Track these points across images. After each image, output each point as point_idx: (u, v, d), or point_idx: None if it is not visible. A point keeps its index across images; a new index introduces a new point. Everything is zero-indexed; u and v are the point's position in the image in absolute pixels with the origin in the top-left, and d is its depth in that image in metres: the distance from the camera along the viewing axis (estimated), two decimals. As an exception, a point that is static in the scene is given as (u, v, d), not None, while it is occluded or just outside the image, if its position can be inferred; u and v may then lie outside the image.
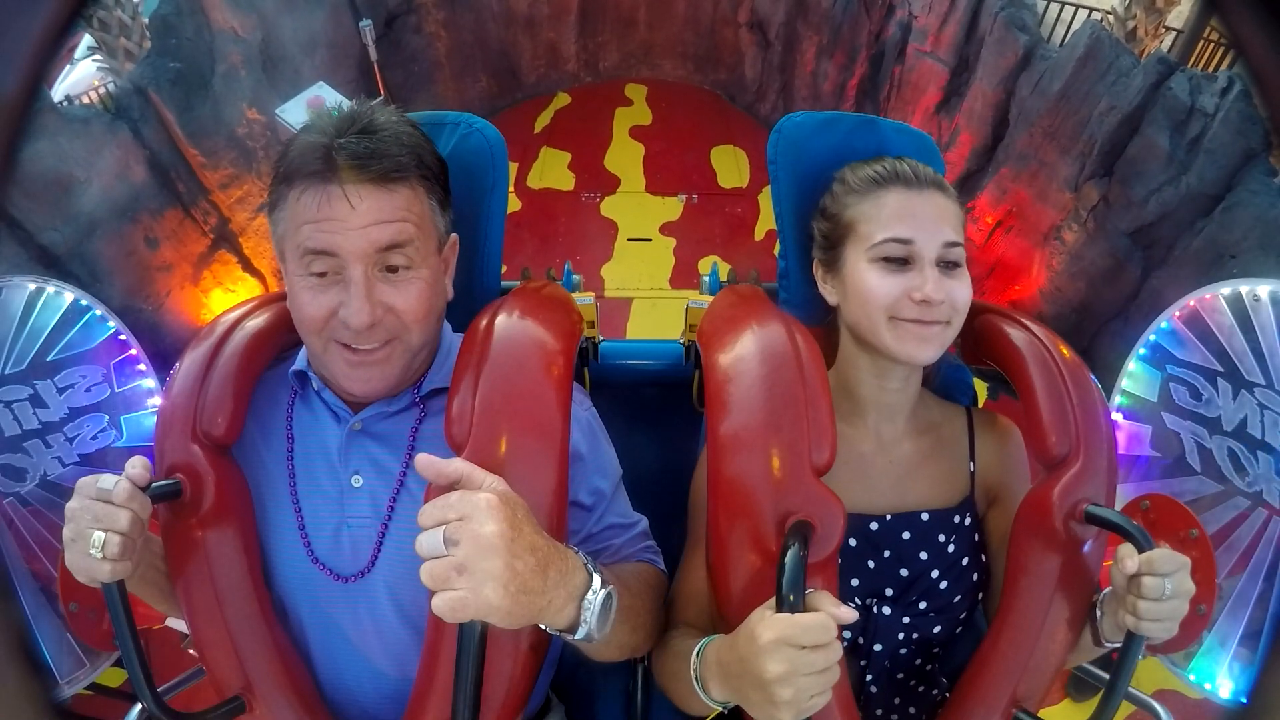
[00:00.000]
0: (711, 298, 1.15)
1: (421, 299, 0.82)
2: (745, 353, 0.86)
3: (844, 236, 0.92)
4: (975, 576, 0.93)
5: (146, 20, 2.99)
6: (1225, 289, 1.83)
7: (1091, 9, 3.58)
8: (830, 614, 0.65)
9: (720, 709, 0.79)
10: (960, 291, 0.87)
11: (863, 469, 0.94)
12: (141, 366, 1.90)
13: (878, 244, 0.88)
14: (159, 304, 2.90)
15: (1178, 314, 1.90)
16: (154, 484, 0.76)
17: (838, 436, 0.79)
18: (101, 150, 2.63)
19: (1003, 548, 0.89)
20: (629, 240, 4.05)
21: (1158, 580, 0.71)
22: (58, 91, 3.11)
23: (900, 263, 0.87)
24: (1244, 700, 0.39)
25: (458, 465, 0.68)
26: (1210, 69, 3.70)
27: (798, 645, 0.63)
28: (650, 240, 4.05)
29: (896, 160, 0.93)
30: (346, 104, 0.84)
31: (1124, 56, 2.81)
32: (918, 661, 0.93)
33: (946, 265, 0.88)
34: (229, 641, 0.81)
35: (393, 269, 0.80)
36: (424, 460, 0.69)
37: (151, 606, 0.87)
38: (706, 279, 1.44)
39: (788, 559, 0.67)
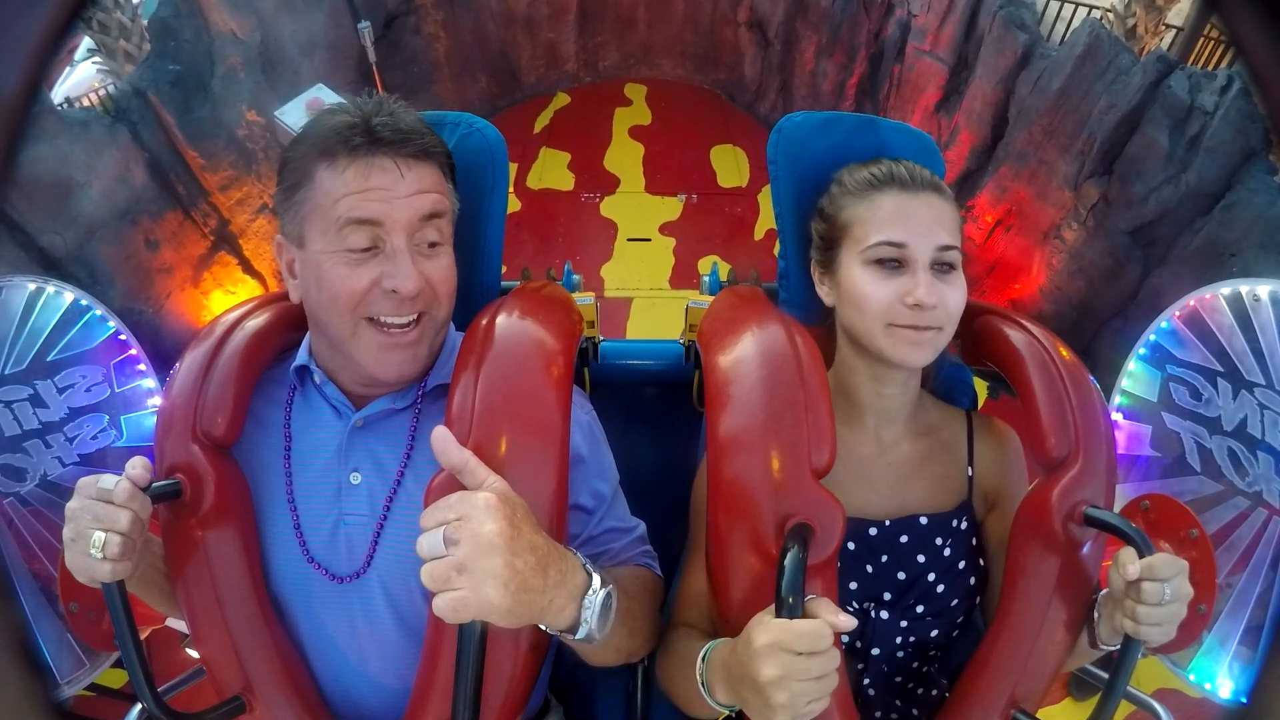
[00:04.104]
0: (711, 298, 1.15)
1: (451, 272, 0.87)
2: (745, 354, 0.86)
3: (840, 238, 0.92)
4: (972, 580, 0.93)
5: (146, 23, 3.00)
6: (1225, 289, 1.83)
7: (1091, 7, 3.58)
8: (829, 621, 0.64)
9: (727, 712, 0.79)
10: (953, 296, 0.87)
11: (862, 471, 0.94)
12: (141, 366, 1.90)
13: (871, 246, 0.88)
14: (159, 306, 2.90)
15: (1178, 314, 1.90)
16: (154, 484, 0.76)
17: (837, 439, 0.79)
18: (101, 153, 2.63)
19: (1001, 551, 0.89)
20: (629, 240, 4.05)
21: (1157, 585, 0.71)
22: (57, 94, 3.11)
23: (893, 265, 0.87)
24: (1244, 700, 0.39)
25: (465, 455, 0.70)
26: (1210, 67, 3.70)
27: (792, 650, 0.63)
28: (650, 240, 4.06)
29: (894, 162, 0.93)
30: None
31: (1123, 54, 2.81)
32: (915, 664, 0.93)
33: (940, 268, 0.87)
34: (229, 641, 0.81)
35: (432, 245, 0.84)
36: (440, 432, 0.71)
37: (151, 606, 0.87)
38: (706, 279, 1.44)
39: (787, 561, 0.67)
